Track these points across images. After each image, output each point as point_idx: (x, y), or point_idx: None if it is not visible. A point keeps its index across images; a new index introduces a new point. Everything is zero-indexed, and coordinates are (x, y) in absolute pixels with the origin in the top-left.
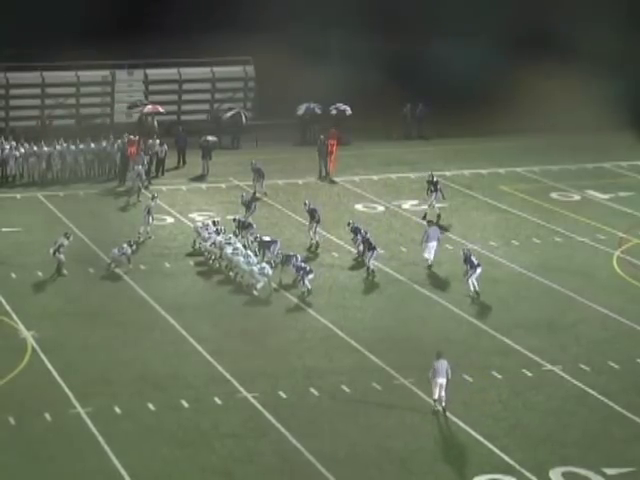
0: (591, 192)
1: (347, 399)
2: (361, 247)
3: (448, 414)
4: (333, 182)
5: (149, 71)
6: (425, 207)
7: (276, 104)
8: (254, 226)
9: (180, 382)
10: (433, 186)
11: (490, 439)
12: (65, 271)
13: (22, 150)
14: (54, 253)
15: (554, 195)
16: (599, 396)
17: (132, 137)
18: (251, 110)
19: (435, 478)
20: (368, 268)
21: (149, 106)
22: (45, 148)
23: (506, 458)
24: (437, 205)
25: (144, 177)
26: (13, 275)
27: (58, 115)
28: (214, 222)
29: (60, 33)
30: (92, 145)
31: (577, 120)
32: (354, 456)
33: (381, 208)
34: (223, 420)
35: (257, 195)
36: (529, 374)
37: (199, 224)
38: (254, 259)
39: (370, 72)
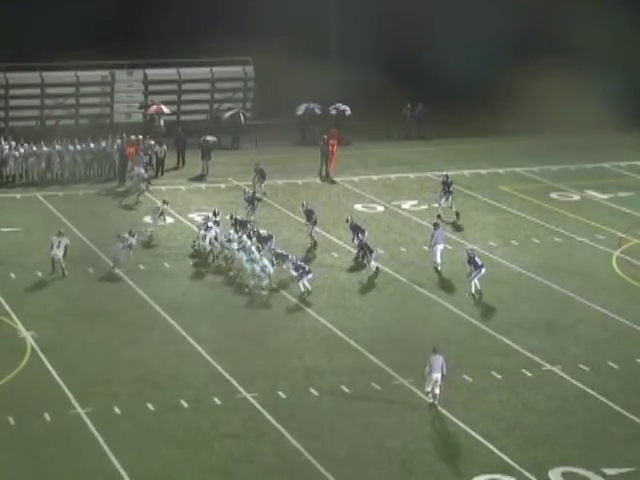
0: (591, 192)
1: (347, 399)
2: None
3: (448, 414)
4: (333, 182)
5: (149, 71)
6: (438, 207)
7: (276, 104)
8: (252, 223)
9: (180, 382)
10: (447, 187)
11: (490, 439)
12: (66, 272)
13: (22, 150)
14: (64, 255)
15: (554, 195)
16: (599, 396)
17: (132, 137)
18: (250, 110)
19: (435, 478)
20: (374, 269)
21: (154, 106)
22: (45, 148)
23: (506, 458)
24: (445, 206)
25: (145, 177)
26: (12, 275)
27: (58, 115)
28: (214, 212)
29: (59, 33)
30: (92, 145)
31: (577, 120)
32: (354, 456)
33: (381, 208)
34: (223, 420)
35: (257, 195)
36: (529, 374)
37: (200, 221)
38: (257, 255)
39: (370, 72)
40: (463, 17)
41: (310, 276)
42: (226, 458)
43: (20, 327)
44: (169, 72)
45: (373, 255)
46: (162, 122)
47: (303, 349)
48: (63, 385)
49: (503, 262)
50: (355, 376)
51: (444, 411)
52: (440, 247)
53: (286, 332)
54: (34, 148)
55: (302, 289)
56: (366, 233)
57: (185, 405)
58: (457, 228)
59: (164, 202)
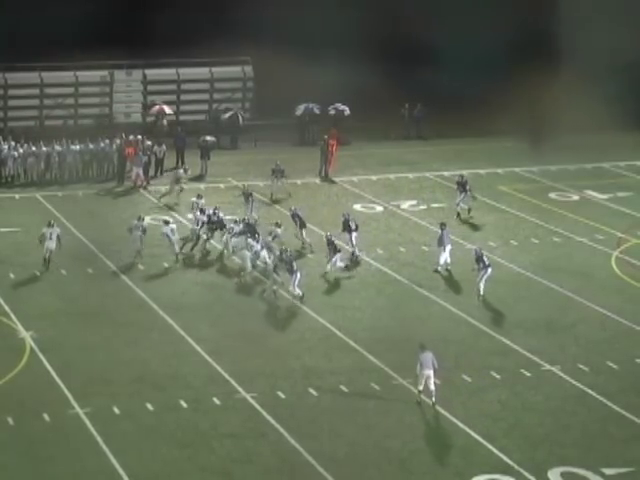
0: (590, 192)
1: (346, 399)
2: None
3: (448, 414)
4: (332, 182)
5: (148, 71)
6: (457, 207)
7: (275, 104)
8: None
9: (179, 382)
10: (462, 186)
11: (489, 439)
12: (59, 269)
13: (21, 150)
14: (57, 246)
15: (553, 195)
16: (598, 396)
17: (130, 138)
18: (250, 110)
19: (434, 478)
20: (334, 269)
21: (156, 106)
22: (44, 148)
23: (505, 458)
24: (463, 206)
25: (182, 175)
26: (11, 275)
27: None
28: (199, 195)
29: (59, 33)
30: (90, 146)
31: (577, 120)
32: (353, 456)
33: (380, 208)
34: (222, 420)
35: (279, 196)
36: (528, 374)
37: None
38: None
39: (369, 72)
40: (463, 17)
41: (298, 276)
42: (225, 458)
43: (19, 327)
44: (168, 72)
45: (338, 256)
46: (165, 122)
47: (302, 349)
48: (62, 385)
49: (502, 262)
50: (354, 376)
51: (443, 411)
52: (448, 248)
53: (285, 332)
54: (33, 148)
55: (294, 293)
56: (354, 234)
57: (184, 405)
58: (473, 227)
59: (198, 196)
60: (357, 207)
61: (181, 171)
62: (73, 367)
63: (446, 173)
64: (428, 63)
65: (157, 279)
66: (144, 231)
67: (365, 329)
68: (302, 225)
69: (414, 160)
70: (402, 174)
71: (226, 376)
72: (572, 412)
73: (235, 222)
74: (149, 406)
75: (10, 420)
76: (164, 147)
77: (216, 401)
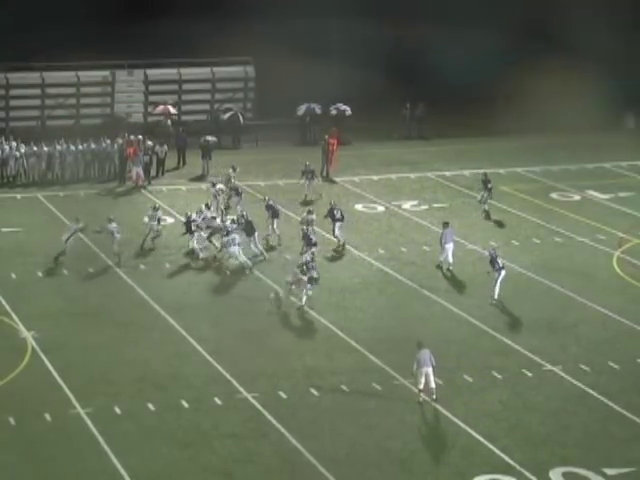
0: (591, 192)
1: (347, 399)
2: (337, 232)
3: (449, 414)
4: (333, 182)
5: (149, 71)
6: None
7: (276, 104)
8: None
9: (180, 382)
10: (484, 185)
11: (490, 439)
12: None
13: (22, 150)
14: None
15: (554, 195)
16: (599, 396)
17: (131, 138)
18: (251, 110)
19: (435, 478)
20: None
21: (161, 106)
22: (45, 148)
23: (506, 458)
24: (485, 206)
25: (142, 176)
26: (13, 275)
27: (58, 115)
28: (207, 205)
29: (60, 33)
30: (92, 145)
31: (577, 120)
32: (354, 456)
33: (381, 208)
34: (223, 420)
35: (313, 197)
36: (529, 374)
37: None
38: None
39: (370, 72)
40: (464, 17)
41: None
42: (226, 458)
43: (21, 327)
44: (170, 72)
45: (313, 249)
46: (169, 122)
47: (303, 349)
48: (63, 385)
49: (504, 262)
50: (355, 376)
51: (444, 411)
52: (450, 246)
53: (286, 332)
54: (35, 148)
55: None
56: (338, 224)
57: (185, 405)
58: (474, 227)
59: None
60: (358, 207)
61: (230, 170)
62: (74, 367)
63: (447, 173)
64: (429, 63)
65: (158, 279)
66: (159, 220)
67: (366, 329)
68: (274, 215)
69: (415, 160)
70: (403, 174)
71: (227, 376)
72: (573, 412)
73: (232, 221)
74: (150, 406)
75: (11, 420)
76: (165, 147)
77: (217, 401)
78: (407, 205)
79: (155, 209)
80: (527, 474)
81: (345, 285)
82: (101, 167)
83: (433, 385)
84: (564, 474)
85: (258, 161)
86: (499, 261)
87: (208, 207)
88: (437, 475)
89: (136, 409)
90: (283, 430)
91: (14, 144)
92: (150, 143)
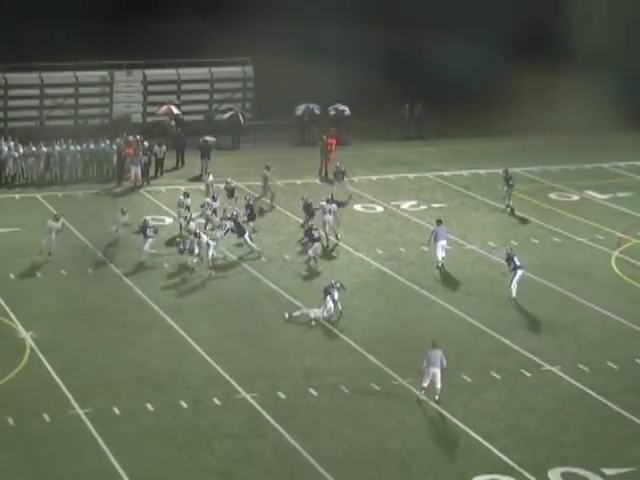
0: (590, 192)
1: (346, 399)
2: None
3: (448, 414)
4: (331, 182)
5: (148, 71)
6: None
7: (275, 104)
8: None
9: (179, 382)
10: (505, 181)
11: (489, 439)
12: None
13: (21, 150)
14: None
15: (553, 195)
16: (598, 396)
17: (130, 138)
18: (250, 110)
19: (434, 478)
20: (312, 253)
21: (164, 107)
22: (44, 149)
23: (505, 458)
24: (508, 201)
25: (140, 176)
26: (12, 275)
27: (57, 115)
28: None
29: (59, 34)
30: (91, 146)
31: (576, 120)
32: (353, 456)
33: (380, 208)
34: (222, 420)
35: (346, 199)
36: (528, 374)
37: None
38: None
39: (369, 72)
40: (463, 17)
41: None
42: (225, 458)
43: (19, 327)
44: (168, 72)
45: (316, 245)
46: (173, 122)
47: (302, 349)
48: (62, 385)
49: (502, 262)
50: (354, 376)
51: (443, 411)
52: (441, 243)
53: (285, 332)
54: (33, 148)
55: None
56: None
57: (184, 405)
58: (473, 227)
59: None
60: (357, 207)
61: (265, 171)
62: (73, 367)
63: (446, 173)
64: (428, 63)
65: (157, 279)
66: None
67: (365, 329)
68: (251, 218)
69: (414, 160)
70: (402, 174)
71: (226, 376)
72: (572, 412)
73: (223, 219)
74: (149, 406)
75: (10, 420)
76: (164, 147)
77: (216, 401)
78: (406, 205)
79: (123, 212)
80: (526, 474)
81: (344, 285)
82: (100, 167)
83: (439, 386)
84: (563, 474)
85: (257, 161)
86: (516, 260)
87: (214, 199)
88: (436, 475)
89: (135, 409)
90: (282, 430)
91: (12, 144)
92: (146, 143)
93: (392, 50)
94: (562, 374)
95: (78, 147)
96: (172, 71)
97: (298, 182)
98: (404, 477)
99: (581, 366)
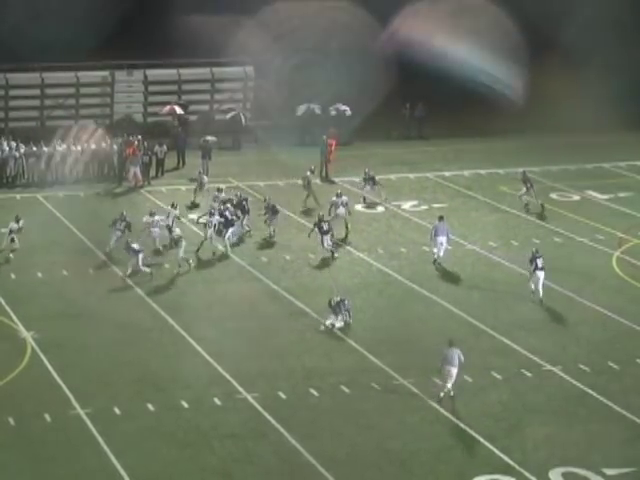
0: (590, 192)
1: (347, 400)
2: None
3: (448, 415)
4: (332, 182)
5: (149, 72)
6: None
7: (276, 105)
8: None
9: (179, 383)
10: (527, 182)
11: (490, 439)
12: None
13: (22, 151)
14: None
15: (554, 195)
16: (599, 396)
17: (130, 138)
18: (250, 111)
19: (435, 479)
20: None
21: (167, 107)
22: (45, 149)
23: (506, 459)
24: (533, 200)
25: (140, 176)
26: (13, 276)
27: (58, 116)
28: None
29: (59, 34)
30: (92, 146)
31: (577, 120)
32: (354, 457)
33: (381, 208)
34: (223, 421)
35: (379, 201)
36: (529, 374)
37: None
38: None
39: (371, 72)
40: (463, 17)
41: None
42: (226, 458)
43: (20, 328)
44: (169, 72)
45: (327, 237)
46: (176, 122)
47: (303, 349)
48: (63, 386)
49: (503, 262)
50: (355, 376)
51: (444, 411)
52: (440, 239)
53: (286, 333)
54: (34, 149)
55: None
56: (278, 215)
57: (185, 405)
58: (542, 218)
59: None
60: (358, 207)
61: (308, 173)
62: (74, 367)
63: (447, 173)
64: (429, 62)
65: (158, 279)
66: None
67: (366, 329)
68: (244, 212)
69: (415, 160)
70: (403, 174)
71: (227, 376)
72: (573, 412)
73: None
74: (150, 406)
75: (11, 420)
76: (165, 147)
77: (217, 401)
78: (407, 205)
79: (17, 220)
80: (527, 474)
81: (345, 285)
82: (100, 167)
83: (449, 385)
84: (564, 474)
85: (258, 161)
86: (538, 262)
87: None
88: (437, 475)
89: (135, 409)
90: (283, 430)
91: (14, 144)
92: (146, 143)
93: (393, 49)
94: (563, 374)
95: (79, 147)
96: (173, 71)
97: (299, 182)
98: (405, 477)
99: (582, 366)
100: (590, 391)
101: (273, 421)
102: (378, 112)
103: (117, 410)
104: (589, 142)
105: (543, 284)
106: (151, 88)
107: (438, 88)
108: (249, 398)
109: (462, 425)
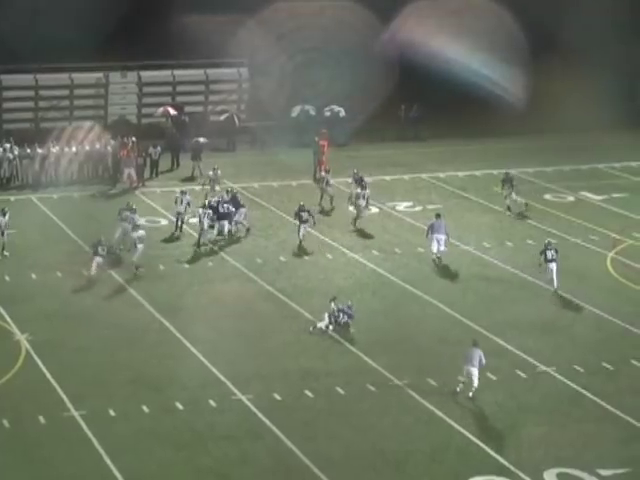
0: (585, 193)
1: (342, 401)
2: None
3: (443, 415)
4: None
5: (143, 73)
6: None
7: (270, 106)
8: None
9: (175, 384)
10: (509, 183)
11: (485, 440)
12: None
13: (16, 152)
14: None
15: (548, 196)
16: (593, 397)
17: (125, 140)
18: (245, 112)
19: (430, 479)
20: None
21: (161, 108)
22: (39, 150)
23: (501, 459)
24: (519, 199)
25: (135, 177)
26: (7, 278)
27: (52, 117)
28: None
29: (54, 35)
30: (86, 147)
31: (572, 121)
32: (349, 458)
33: (375, 209)
34: (218, 422)
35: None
36: (523, 375)
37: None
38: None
39: (365, 73)
40: (460, 17)
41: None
42: (221, 460)
43: (14, 329)
44: (163, 74)
45: (304, 226)
46: (170, 123)
47: (298, 351)
48: (58, 387)
49: (497, 263)
50: (350, 378)
51: (439, 412)
52: (436, 237)
53: (281, 334)
54: (28, 150)
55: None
56: (244, 210)
57: (180, 407)
58: (525, 217)
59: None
60: (352, 208)
61: (323, 173)
62: (69, 369)
63: (442, 174)
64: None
65: (152, 281)
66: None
67: (361, 330)
68: (237, 206)
69: (410, 161)
70: (398, 175)
71: (222, 378)
72: (567, 413)
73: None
74: (145, 408)
75: (6, 422)
76: (159, 148)
77: (212, 403)
78: (401, 206)
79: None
80: (522, 475)
81: (339, 286)
82: (94, 169)
83: (475, 384)
84: (558, 475)
85: (252, 163)
86: (548, 254)
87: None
88: (432, 476)
89: (130, 411)
90: (278, 432)
91: (8, 146)
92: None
93: (389, 51)
94: (557, 375)
95: (73, 149)
96: (167, 73)
97: (294, 183)
98: (400, 478)
99: (576, 367)
100: (584, 392)
101: (268, 422)
102: (374, 113)
103: (112, 412)
104: (584, 143)
105: (557, 274)
106: (145, 89)
107: (435, 89)
108: (244, 399)
109: (457, 426)
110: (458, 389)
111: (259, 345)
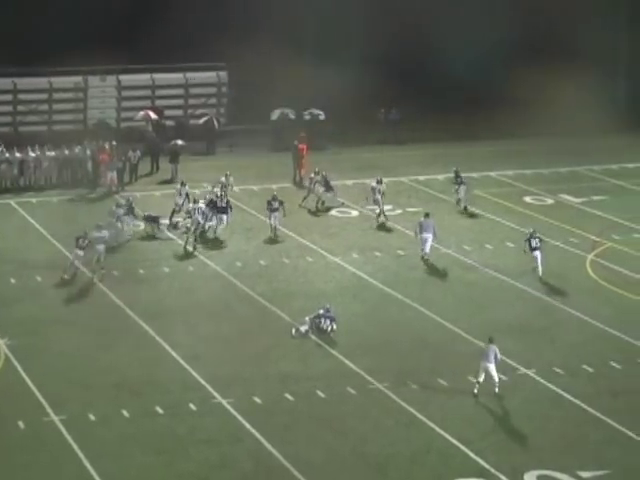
0: (564, 196)
1: (322, 404)
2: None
3: (424, 418)
4: (305, 187)
5: (122, 77)
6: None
7: (250, 109)
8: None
9: (155, 388)
10: (458, 179)
11: (465, 443)
12: None
13: None
14: None
15: (527, 199)
16: (573, 399)
17: (104, 144)
18: (224, 116)
19: None
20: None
21: (141, 112)
22: (17, 154)
23: (481, 462)
24: (462, 195)
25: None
26: None
27: (30, 121)
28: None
29: (32, 40)
30: (66, 151)
31: (552, 125)
32: (330, 461)
33: (355, 213)
34: (198, 426)
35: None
36: (504, 378)
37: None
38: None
39: (345, 76)
40: (455, 17)
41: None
42: (202, 464)
43: None
44: (142, 78)
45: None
46: (150, 128)
47: (278, 354)
48: (37, 392)
49: (477, 266)
50: (331, 381)
51: (420, 415)
52: (425, 236)
53: (261, 337)
54: (7, 154)
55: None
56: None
57: (160, 411)
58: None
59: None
60: (333, 212)
61: (312, 175)
62: (48, 374)
63: (421, 177)
64: (406, 67)
65: (132, 285)
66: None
67: (341, 334)
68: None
69: (390, 165)
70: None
71: (202, 381)
72: (548, 415)
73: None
74: (125, 412)
75: None
76: (138, 153)
77: (192, 407)
78: None
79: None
80: (502, 477)
81: (320, 290)
82: (73, 173)
83: (496, 380)
84: (539, 477)
85: (232, 166)
86: (532, 242)
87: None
88: (413, 479)
89: (111, 415)
90: (258, 435)
91: None
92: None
93: (368, 54)
94: (537, 377)
95: (52, 153)
96: (146, 76)
97: (274, 187)
98: None
99: (556, 369)
100: (565, 394)
101: (249, 426)
102: (353, 116)
103: (92, 416)
104: (564, 146)
105: (542, 261)
106: (124, 93)
107: (415, 92)
108: (224, 403)
109: (438, 429)
110: (475, 391)
111: (239, 349)
